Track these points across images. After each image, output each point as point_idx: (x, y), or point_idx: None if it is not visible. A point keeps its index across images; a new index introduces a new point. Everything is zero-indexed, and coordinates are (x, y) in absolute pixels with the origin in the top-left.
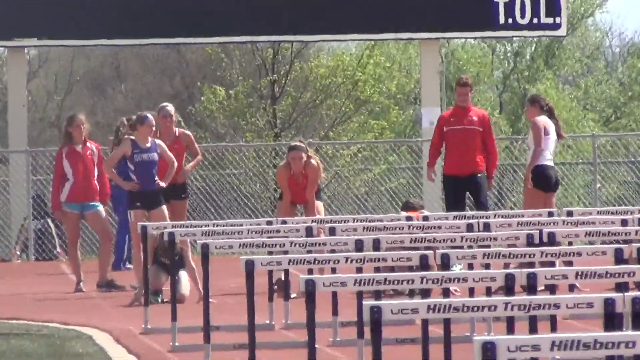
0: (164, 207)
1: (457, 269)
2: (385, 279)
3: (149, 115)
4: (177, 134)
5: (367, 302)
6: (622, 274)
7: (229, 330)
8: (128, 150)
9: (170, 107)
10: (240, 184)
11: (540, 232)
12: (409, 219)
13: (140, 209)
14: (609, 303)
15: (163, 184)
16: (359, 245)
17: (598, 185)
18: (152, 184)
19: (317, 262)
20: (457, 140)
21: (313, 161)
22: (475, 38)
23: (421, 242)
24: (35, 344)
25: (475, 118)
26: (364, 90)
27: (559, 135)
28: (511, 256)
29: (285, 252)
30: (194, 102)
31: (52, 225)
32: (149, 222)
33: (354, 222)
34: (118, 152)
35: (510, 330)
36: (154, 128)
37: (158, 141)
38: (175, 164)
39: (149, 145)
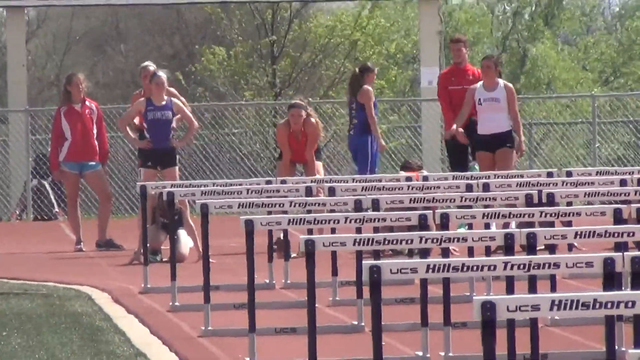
0: (176, 168)
1: (463, 230)
2: (385, 239)
3: (158, 73)
4: None
5: (367, 262)
6: (621, 233)
7: (229, 290)
8: (142, 108)
9: (152, 67)
10: (240, 143)
11: (540, 192)
12: (408, 179)
13: (151, 168)
14: (608, 263)
15: (176, 144)
16: (359, 205)
17: (597, 145)
18: (165, 143)
19: (316, 222)
20: (458, 100)
21: (312, 119)
22: None
23: (420, 202)
24: (34, 304)
25: (471, 77)
26: (362, 51)
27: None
28: (510, 216)
29: (285, 212)
30: (194, 62)
31: (47, 186)
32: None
33: (353, 182)
34: (133, 110)
35: (510, 290)
36: (164, 86)
37: (175, 100)
38: (196, 125)
39: (164, 103)
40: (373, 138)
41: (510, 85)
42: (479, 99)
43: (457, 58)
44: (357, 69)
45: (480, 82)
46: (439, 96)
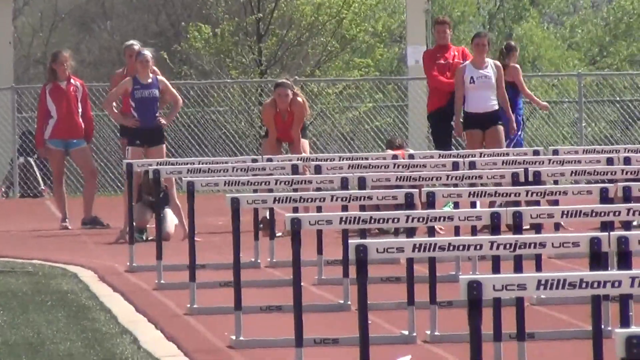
0: (163, 146)
1: (448, 208)
2: (371, 218)
3: (143, 51)
4: None
5: (353, 241)
6: (607, 213)
7: (215, 269)
8: (129, 86)
9: (137, 45)
10: (225, 122)
11: (526, 170)
12: (394, 157)
13: (139, 147)
14: (594, 242)
15: (164, 121)
16: (345, 184)
17: (584, 124)
18: (152, 121)
19: (302, 200)
20: (443, 73)
21: (299, 98)
22: None
23: (407, 180)
24: (20, 281)
25: (456, 53)
26: (349, 28)
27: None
28: (497, 195)
29: (271, 190)
30: (180, 40)
31: (33, 163)
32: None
33: (339, 160)
34: (119, 89)
35: (496, 269)
36: (149, 64)
37: (160, 78)
38: (180, 102)
39: (150, 81)
40: (518, 114)
41: (499, 63)
42: (471, 77)
43: (442, 40)
44: (502, 47)
45: (469, 61)
46: (426, 71)
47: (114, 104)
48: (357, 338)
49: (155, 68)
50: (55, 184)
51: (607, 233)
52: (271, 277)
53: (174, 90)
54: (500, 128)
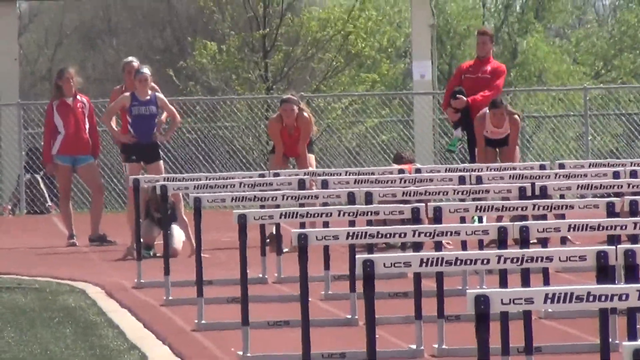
0: (160, 162)
1: (476, 222)
2: (378, 232)
3: (142, 69)
4: None
5: (360, 256)
6: (614, 226)
7: (222, 284)
8: (127, 102)
9: (136, 62)
10: (232, 137)
11: (533, 185)
12: (401, 171)
13: (136, 162)
14: (601, 256)
15: (161, 138)
16: (351, 198)
17: (590, 137)
18: (148, 137)
19: (309, 215)
20: (470, 89)
21: (305, 114)
22: None
23: (413, 195)
24: (28, 298)
25: (489, 68)
26: (355, 44)
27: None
28: (504, 209)
29: (278, 206)
30: (185, 56)
31: (40, 179)
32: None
33: (346, 175)
34: (117, 104)
35: (503, 283)
36: (147, 82)
37: (159, 95)
38: (179, 119)
39: (148, 98)
40: None
41: (516, 117)
42: (487, 130)
43: (482, 51)
44: None
45: (488, 115)
46: (446, 87)
47: (114, 121)
48: (365, 353)
49: (154, 84)
50: (61, 201)
51: (614, 246)
52: (278, 293)
53: (172, 107)
54: (513, 147)
